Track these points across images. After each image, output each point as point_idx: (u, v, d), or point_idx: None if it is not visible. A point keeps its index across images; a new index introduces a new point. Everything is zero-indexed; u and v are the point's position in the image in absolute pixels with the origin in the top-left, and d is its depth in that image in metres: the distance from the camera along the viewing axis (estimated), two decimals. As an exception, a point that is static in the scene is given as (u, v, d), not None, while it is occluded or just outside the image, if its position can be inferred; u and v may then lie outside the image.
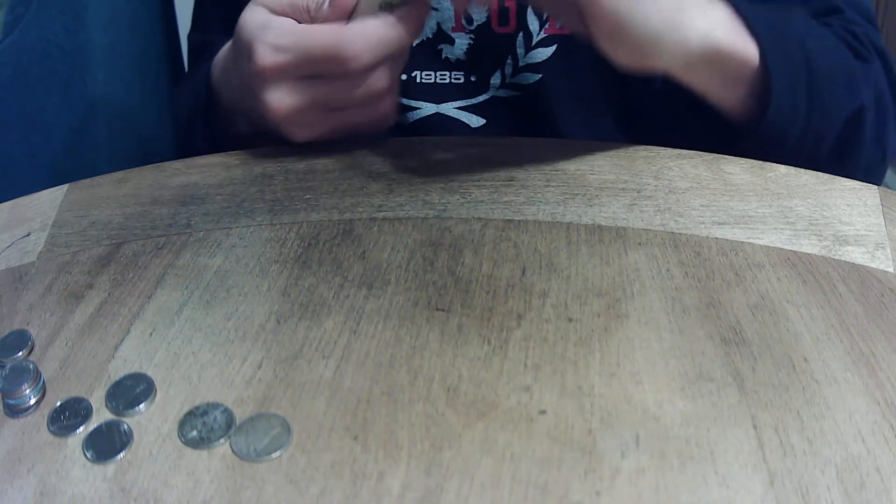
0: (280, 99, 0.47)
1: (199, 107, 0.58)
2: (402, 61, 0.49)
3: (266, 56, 0.46)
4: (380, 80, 0.47)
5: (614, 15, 0.42)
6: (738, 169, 0.48)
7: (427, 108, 0.61)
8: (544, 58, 0.60)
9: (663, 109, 0.57)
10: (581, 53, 0.58)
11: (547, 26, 0.59)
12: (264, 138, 0.51)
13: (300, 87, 0.47)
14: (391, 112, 0.50)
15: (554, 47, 0.60)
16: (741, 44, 0.48)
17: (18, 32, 0.62)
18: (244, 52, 0.48)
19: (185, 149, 0.63)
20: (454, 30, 0.60)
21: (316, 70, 0.46)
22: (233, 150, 0.54)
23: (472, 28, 0.60)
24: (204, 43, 0.67)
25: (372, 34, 0.45)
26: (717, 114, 0.52)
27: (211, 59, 0.58)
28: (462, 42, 0.60)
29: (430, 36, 0.60)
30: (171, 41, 0.80)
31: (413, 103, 0.62)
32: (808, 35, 0.53)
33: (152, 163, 0.52)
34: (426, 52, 0.60)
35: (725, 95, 0.51)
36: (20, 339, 0.39)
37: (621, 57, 0.45)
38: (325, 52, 0.45)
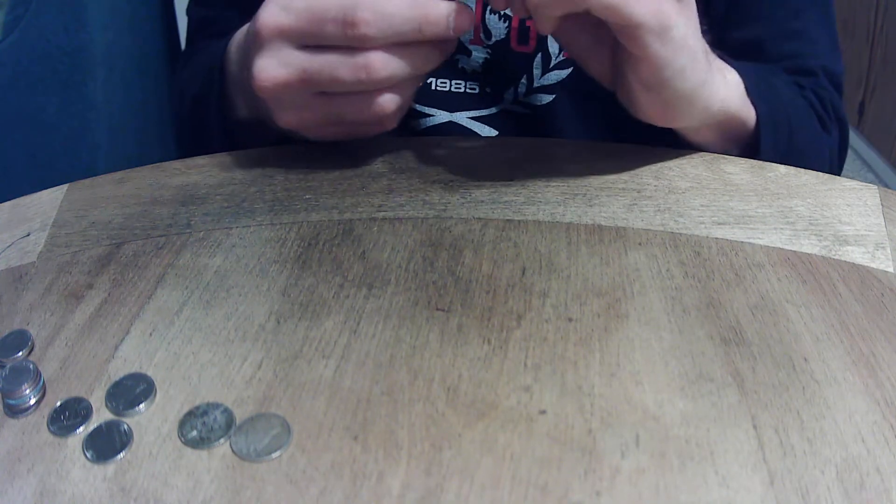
0: (269, 68, 0.44)
1: (213, 83, 0.55)
2: (412, 88, 0.46)
3: (271, 15, 0.44)
4: (388, 102, 0.45)
5: (664, 69, 0.42)
6: (738, 169, 0.48)
7: (441, 116, 0.61)
8: (559, 79, 0.59)
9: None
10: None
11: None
12: (263, 130, 0.50)
13: (294, 57, 0.44)
14: (388, 127, 0.48)
15: (570, 70, 0.59)
16: (745, 111, 0.51)
17: (18, 32, 0.62)
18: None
19: (186, 131, 0.61)
20: (472, 42, 0.59)
21: (321, 33, 0.43)
22: (236, 138, 0.53)
23: (490, 43, 0.59)
24: (205, 19, 0.65)
25: (387, 6, 0.42)
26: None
27: (216, 37, 0.56)
28: (479, 55, 0.60)
29: None
30: (171, 41, 0.80)
31: (427, 110, 0.61)
32: (792, 106, 0.56)
33: (152, 163, 0.52)
34: None
35: (717, 150, 0.53)
36: (20, 339, 0.39)
37: (649, 111, 0.45)
38: (336, 11, 0.42)
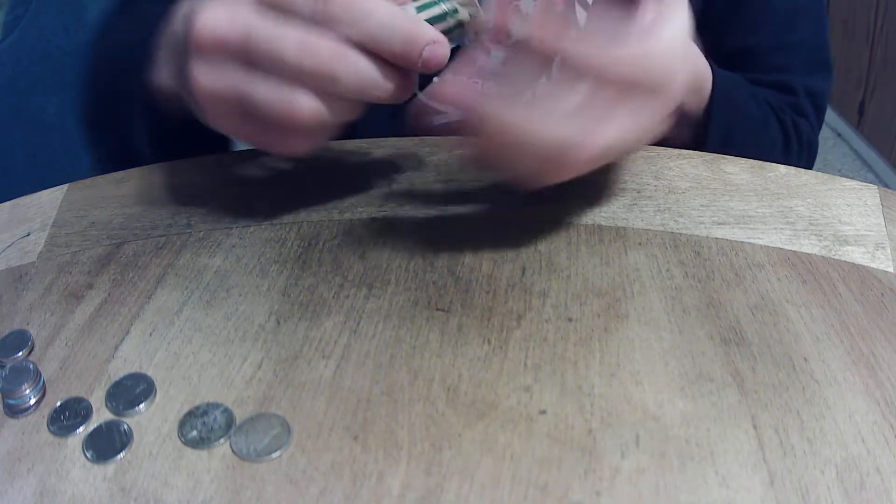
0: (218, 18, 0.38)
1: (147, 53, 0.48)
2: (339, 114, 0.40)
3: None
4: (304, 101, 0.38)
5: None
6: (738, 169, 0.48)
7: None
8: None
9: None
10: None
11: None
12: (184, 108, 0.44)
13: (248, 17, 0.38)
14: (298, 149, 0.42)
15: None
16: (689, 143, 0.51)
17: (18, 32, 0.62)
18: None
19: (104, 88, 0.55)
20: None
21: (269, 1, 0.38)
22: (157, 112, 0.49)
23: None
24: None
25: (368, 2, 0.38)
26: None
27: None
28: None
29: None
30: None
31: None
32: (759, 128, 0.57)
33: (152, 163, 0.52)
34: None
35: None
36: (20, 339, 0.39)
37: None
38: None
